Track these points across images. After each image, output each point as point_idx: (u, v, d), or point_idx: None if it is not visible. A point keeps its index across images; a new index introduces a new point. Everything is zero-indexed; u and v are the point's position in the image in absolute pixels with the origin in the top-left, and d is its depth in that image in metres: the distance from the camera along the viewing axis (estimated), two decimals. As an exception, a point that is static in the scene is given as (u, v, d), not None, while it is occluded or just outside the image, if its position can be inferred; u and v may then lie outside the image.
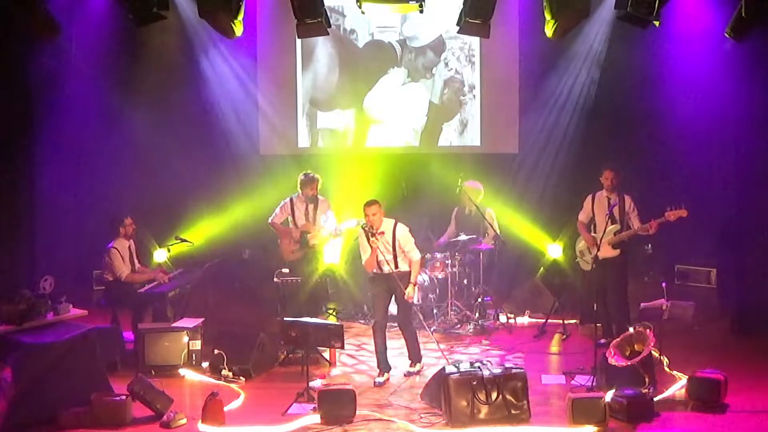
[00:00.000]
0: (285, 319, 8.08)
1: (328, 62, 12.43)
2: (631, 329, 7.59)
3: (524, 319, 10.11)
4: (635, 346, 7.16)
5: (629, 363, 7.02)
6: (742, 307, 9.21)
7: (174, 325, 8.29)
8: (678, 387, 7.35)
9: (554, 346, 9.15)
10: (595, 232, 8.84)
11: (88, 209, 10.81)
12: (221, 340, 8.19)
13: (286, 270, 9.55)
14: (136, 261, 9.16)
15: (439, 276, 10.03)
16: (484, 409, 6.69)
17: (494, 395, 6.71)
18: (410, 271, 7.97)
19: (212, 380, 7.81)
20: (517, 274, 10.79)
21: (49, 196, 10.11)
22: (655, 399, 6.97)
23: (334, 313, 10.28)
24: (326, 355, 8.40)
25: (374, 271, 7.96)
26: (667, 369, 7.69)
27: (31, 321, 7.19)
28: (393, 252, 7.88)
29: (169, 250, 9.56)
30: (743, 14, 8.20)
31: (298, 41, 12.08)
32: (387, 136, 12.51)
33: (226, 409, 6.88)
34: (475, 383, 6.72)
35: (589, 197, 9.00)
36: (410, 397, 7.41)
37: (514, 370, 6.91)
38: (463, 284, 10.12)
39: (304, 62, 12.41)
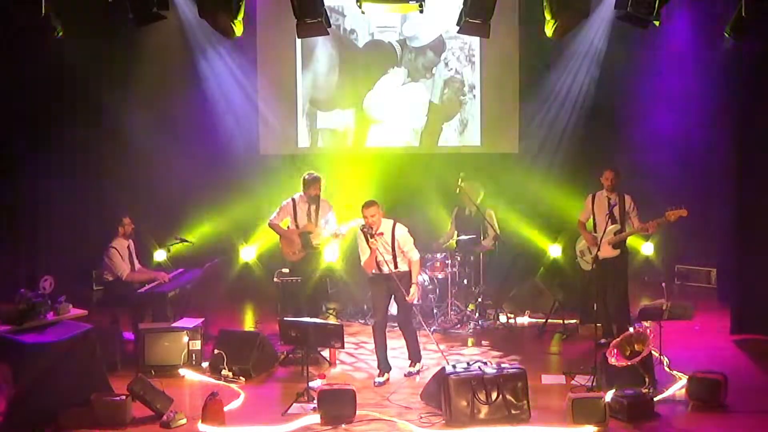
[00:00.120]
0: (285, 319, 8.08)
1: (328, 62, 12.43)
2: (631, 329, 7.60)
3: (524, 319, 10.10)
4: (635, 346, 7.16)
5: (629, 363, 7.02)
6: (742, 307, 9.20)
7: (174, 325, 8.29)
8: (678, 387, 7.35)
9: (554, 346, 9.14)
10: (595, 232, 8.84)
11: (88, 209, 10.81)
12: (221, 340, 8.19)
13: (286, 270, 9.55)
14: (135, 261, 9.16)
15: (439, 276, 10.03)
16: (484, 409, 6.69)
17: (494, 395, 6.70)
18: (410, 272, 7.97)
19: (212, 380, 7.81)
20: (517, 274, 10.78)
21: (49, 196, 10.10)
22: (655, 399, 6.97)
23: (334, 313, 10.30)
24: (326, 355, 8.40)
25: (373, 271, 7.96)
26: (667, 369, 7.70)
27: (31, 321, 7.19)
28: (392, 252, 7.88)
29: (169, 250, 9.56)
30: (743, 14, 8.20)
31: (298, 41, 12.08)
32: (387, 136, 12.51)
33: (226, 409, 6.87)
34: (475, 383, 6.71)
35: (590, 197, 9.00)
36: (410, 397, 7.40)
37: (514, 370, 6.90)
38: (463, 284, 10.11)
39: (304, 62, 12.41)
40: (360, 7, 8.67)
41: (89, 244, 10.26)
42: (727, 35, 8.61)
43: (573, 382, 7.60)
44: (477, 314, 9.87)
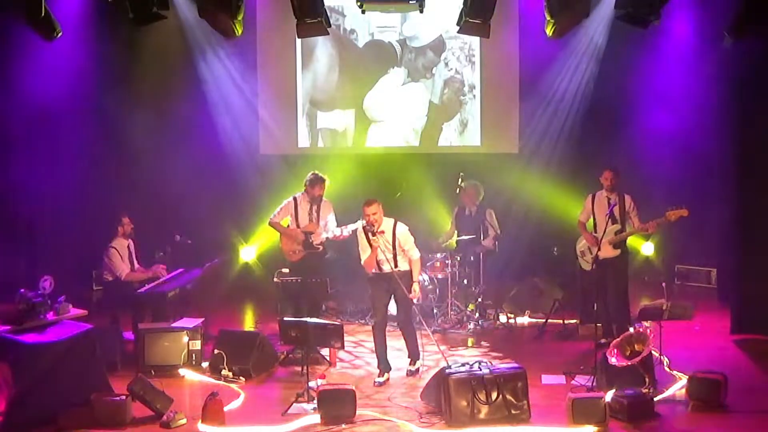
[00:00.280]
0: (285, 319, 8.08)
1: (328, 62, 12.43)
2: (631, 329, 7.59)
3: (524, 319, 10.10)
4: (635, 346, 7.16)
5: (629, 363, 7.02)
6: (742, 307, 9.20)
7: (174, 325, 8.29)
8: (678, 387, 7.35)
9: (554, 346, 9.13)
10: (595, 232, 8.84)
11: (87, 209, 10.80)
12: (221, 340, 8.18)
13: (286, 270, 9.54)
14: (135, 260, 9.15)
15: (439, 276, 10.03)
16: (484, 409, 6.68)
17: (494, 395, 6.70)
18: (410, 271, 7.97)
19: (212, 380, 7.80)
20: (517, 274, 10.78)
21: (48, 196, 10.10)
22: (655, 399, 6.96)
23: (334, 313, 10.29)
24: (326, 355, 8.40)
25: (373, 271, 7.96)
26: (667, 369, 7.70)
27: (31, 321, 7.19)
28: (393, 251, 7.88)
29: (169, 250, 9.54)
30: (743, 14, 8.20)
31: (298, 41, 12.08)
32: (387, 136, 12.51)
33: (226, 409, 6.87)
34: (475, 383, 6.71)
35: (589, 197, 9.01)
36: (410, 397, 7.40)
37: (514, 370, 6.90)
38: (463, 284, 10.11)
39: (304, 62, 12.41)
40: (360, 7, 8.67)
41: (89, 244, 10.26)
42: (726, 35, 8.61)
43: (573, 382, 7.60)
44: (477, 314, 9.87)
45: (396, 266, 7.86)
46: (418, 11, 9.06)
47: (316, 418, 6.79)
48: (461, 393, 6.69)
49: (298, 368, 7.98)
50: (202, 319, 8.48)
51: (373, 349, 8.11)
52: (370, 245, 7.82)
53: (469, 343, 9.17)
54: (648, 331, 7.26)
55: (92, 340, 7.20)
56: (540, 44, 11.21)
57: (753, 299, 9.08)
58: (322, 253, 9.22)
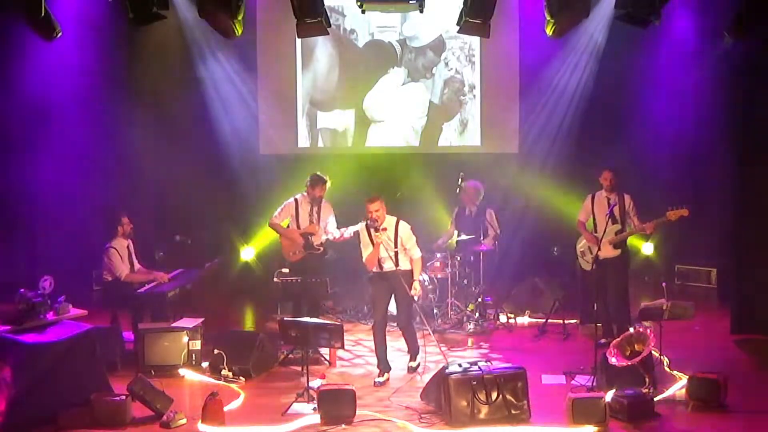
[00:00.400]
0: (285, 319, 8.08)
1: (328, 62, 12.43)
2: (631, 329, 7.59)
3: (524, 319, 10.10)
4: (635, 346, 7.16)
5: (629, 363, 7.02)
6: (742, 307, 9.20)
7: (174, 325, 8.28)
8: (678, 387, 7.34)
9: (554, 346, 9.12)
10: (595, 232, 8.84)
11: (87, 209, 10.81)
12: (221, 340, 8.18)
13: (286, 270, 9.54)
14: (135, 261, 9.15)
15: (439, 276, 10.03)
16: (484, 409, 6.68)
17: (494, 395, 6.70)
18: (411, 270, 7.97)
19: (212, 380, 7.80)
20: (517, 274, 10.78)
21: (48, 196, 10.10)
22: (655, 399, 6.96)
23: (334, 313, 10.29)
24: (326, 355, 8.40)
25: (374, 270, 7.96)
26: (667, 369, 7.69)
27: (31, 321, 7.18)
28: (395, 249, 7.88)
29: (169, 250, 9.54)
30: (743, 14, 8.20)
31: (298, 41, 12.09)
32: (387, 136, 12.51)
33: (226, 409, 6.87)
34: (475, 383, 6.71)
35: (589, 197, 9.01)
36: (410, 397, 7.40)
37: (514, 370, 6.90)
38: (463, 284, 10.11)
39: (304, 62, 12.41)
40: (360, 6, 8.67)
41: (89, 244, 10.26)
42: (726, 34, 8.61)
43: (573, 382, 7.60)
44: (477, 314, 9.87)
45: (397, 265, 7.86)
46: (418, 11, 9.05)
47: (316, 418, 6.79)
48: (461, 393, 6.69)
49: (298, 368, 7.98)
50: (202, 319, 8.47)
51: (373, 348, 8.11)
52: (372, 242, 7.83)
53: (469, 343, 9.16)
54: (648, 331, 7.26)
55: (92, 340, 7.20)
56: (540, 44, 11.23)
57: (753, 299, 9.08)
58: (322, 254, 9.22)
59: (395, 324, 8.24)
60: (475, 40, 12.12)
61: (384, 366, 7.93)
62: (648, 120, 11.49)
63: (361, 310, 10.33)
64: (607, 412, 6.56)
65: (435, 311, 9.94)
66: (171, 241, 9.82)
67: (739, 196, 9.27)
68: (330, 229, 9.07)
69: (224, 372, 7.85)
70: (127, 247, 9.06)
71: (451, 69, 12.42)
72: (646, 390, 6.97)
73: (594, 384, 7.23)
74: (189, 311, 8.90)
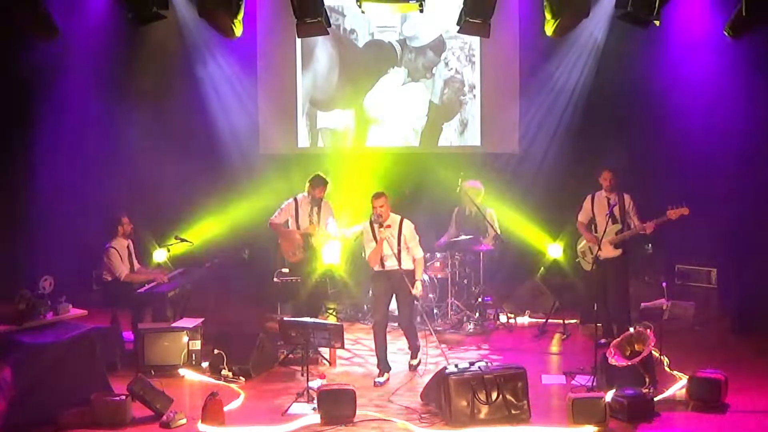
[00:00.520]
0: (285, 319, 8.08)
1: (328, 62, 12.43)
2: (631, 329, 7.59)
3: (524, 319, 10.10)
4: (636, 346, 7.16)
5: (629, 363, 7.02)
6: (742, 307, 9.21)
7: (174, 325, 8.29)
8: (678, 387, 7.35)
9: (554, 346, 9.14)
10: (595, 232, 8.84)
11: (87, 209, 10.81)
12: (221, 340, 8.18)
13: (286, 270, 9.54)
14: (135, 261, 9.15)
15: (439, 276, 10.03)
16: (485, 409, 6.68)
17: (494, 395, 6.70)
18: (413, 269, 7.98)
19: (212, 380, 7.80)
20: (517, 274, 10.77)
21: (48, 196, 10.10)
22: (655, 399, 6.96)
23: (334, 313, 10.29)
24: (326, 355, 8.40)
25: (376, 268, 7.96)
26: (667, 369, 7.70)
27: (31, 321, 7.18)
28: (398, 247, 7.89)
29: (168, 250, 9.55)
30: (744, 13, 8.20)
31: (298, 41, 12.08)
32: (387, 136, 12.51)
33: (226, 409, 6.87)
34: (475, 383, 6.71)
35: (589, 197, 9.01)
36: (410, 397, 7.40)
37: (514, 370, 6.90)
38: (463, 284, 10.11)
39: (304, 62, 12.40)
40: (360, 6, 8.67)
41: (89, 243, 10.26)
42: (726, 34, 8.61)
43: (573, 382, 7.60)
44: (477, 314, 9.86)
45: (400, 263, 7.87)
46: (418, 11, 9.05)
47: (316, 418, 6.79)
48: (461, 393, 6.69)
49: (298, 368, 7.98)
50: (202, 319, 8.47)
51: (372, 348, 8.12)
52: (376, 239, 7.84)
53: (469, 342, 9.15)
54: (648, 331, 7.25)
55: (92, 340, 7.20)
56: (540, 44, 11.22)
57: (753, 299, 9.08)
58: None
59: (395, 324, 8.24)
60: (475, 40, 12.11)
61: (384, 366, 7.93)
62: (648, 119, 11.47)
63: (361, 310, 10.32)
64: (607, 412, 6.57)
65: (435, 311, 9.94)
66: (171, 241, 9.79)
67: (739, 195, 9.26)
68: (330, 229, 9.06)
69: (224, 372, 7.86)
70: (127, 247, 9.06)
71: (451, 69, 12.42)
72: (646, 390, 6.97)
73: (594, 384, 7.23)
74: (189, 311, 8.90)
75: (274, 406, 7.15)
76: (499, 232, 10.13)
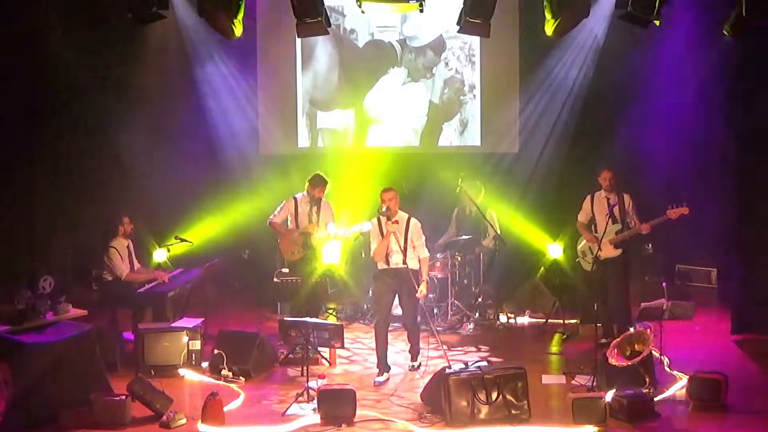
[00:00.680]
0: (285, 319, 8.08)
1: (328, 62, 12.42)
2: (631, 329, 7.59)
3: (524, 319, 10.10)
4: (636, 346, 7.16)
5: (630, 363, 7.01)
6: (742, 307, 9.19)
7: (174, 325, 8.28)
8: (678, 387, 7.35)
9: (554, 346, 9.13)
10: (595, 232, 8.83)
11: (87, 209, 10.81)
12: (221, 340, 8.18)
13: (286, 270, 9.54)
14: (135, 260, 9.15)
15: (439, 276, 10.03)
16: (485, 409, 6.68)
17: (494, 395, 6.70)
18: (417, 270, 7.99)
19: (212, 380, 7.80)
20: (517, 274, 10.77)
21: (47, 196, 10.09)
22: (655, 399, 6.96)
23: (334, 313, 10.29)
24: (326, 355, 8.40)
25: (380, 266, 7.97)
26: (667, 369, 7.69)
27: (31, 321, 7.20)
28: (404, 244, 7.90)
29: (168, 250, 9.56)
30: (743, 13, 8.20)
31: (298, 41, 12.07)
32: (387, 136, 12.50)
33: (226, 409, 6.87)
34: (475, 383, 6.71)
35: (588, 197, 9.00)
36: (410, 397, 7.40)
37: (514, 370, 6.90)
38: (463, 284, 10.10)
39: (304, 62, 12.40)
40: (360, 6, 8.67)
41: (89, 244, 10.26)
42: (726, 33, 8.61)
43: (573, 382, 7.60)
44: (477, 314, 9.86)
45: (404, 262, 7.87)
46: (418, 11, 9.05)
47: (316, 418, 6.79)
48: (461, 393, 6.69)
49: (298, 368, 7.98)
50: (202, 319, 8.47)
51: (372, 346, 8.12)
52: (383, 234, 7.85)
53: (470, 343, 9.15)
54: (648, 331, 7.25)
55: (92, 340, 7.20)
56: (540, 44, 11.21)
57: (753, 299, 9.08)
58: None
59: (396, 324, 8.24)
60: (475, 40, 12.10)
61: (384, 366, 7.93)
62: (649, 119, 11.46)
63: (361, 310, 10.31)
64: (607, 412, 6.56)
65: (435, 311, 9.94)
66: (171, 242, 9.79)
67: (739, 195, 9.26)
68: (330, 229, 9.06)
69: (224, 372, 7.85)
70: (128, 247, 9.06)
71: (451, 69, 12.41)
72: (647, 390, 6.97)
73: (594, 384, 7.23)
74: (189, 311, 8.90)
75: (274, 406, 7.15)
76: (499, 231, 10.13)
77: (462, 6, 8.56)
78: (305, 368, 7.40)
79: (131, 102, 11.33)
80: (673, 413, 6.94)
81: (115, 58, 11.13)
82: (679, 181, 11.09)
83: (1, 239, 9.25)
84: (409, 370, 8.09)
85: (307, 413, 6.91)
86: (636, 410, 6.69)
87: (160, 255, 9.55)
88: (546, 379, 7.79)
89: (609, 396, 6.74)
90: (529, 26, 11.51)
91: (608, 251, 8.69)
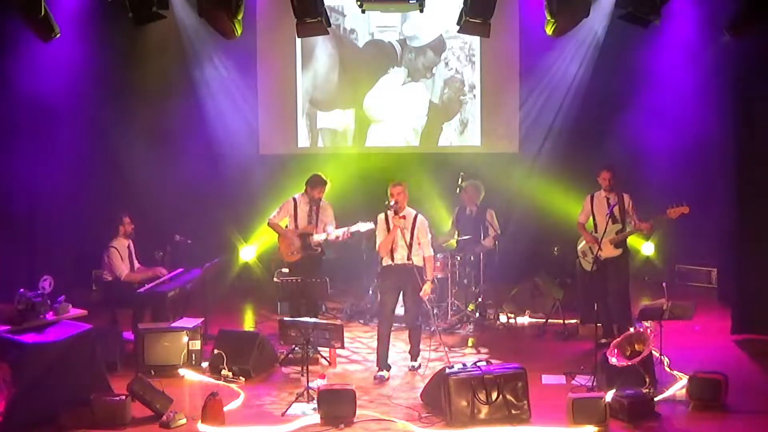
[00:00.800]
0: (285, 319, 8.08)
1: (328, 62, 12.42)
2: (632, 329, 7.59)
3: (524, 319, 10.10)
4: (636, 346, 7.16)
5: (630, 363, 7.01)
6: (742, 307, 9.19)
7: (174, 325, 8.28)
8: (678, 387, 7.35)
9: (554, 346, 9.11)
10: (595, 233, 8.83)
11: (87, 209, 10.81)
12: (221, 340, 8.18)
13: (286, 270, 9.54)
14: (135, 260, 9.15)
15: (439, 276, 10.02)
16: (485, 409, 6.68)
17: (494, 395, 6.70)
18: (422, 267, 7.99)
19: (212, 380, 7.80)
20: (517, 274, 10.77)
21: (48, 196, 10.08)
22: (655, 399, 6.96)
23: (334, 313, 10.28)
24: (326, 355, 8.39)
25: (385, 262, 7.97)
26: (667, 369, 7.69)
27: (31, 321, 7.18)
28: (410, 240, 7.90)
29: (169, 250, 9.55)
30: (744, 12, 8.20)
31: (298, 41, 12.08)
32: (387, 135, 12.51)
33: (226, 409, 6.87)
34: (475, 383, 6.71)
35: (588, 198, 9.01)
36: (410, 397, 7.40)
37: (514, 370, 6.90)
38: (463, 284, 10.10)
39: (304, 62, 12.40)
40: (361, 6, 8.67)
41: (89, 244, 10.25)
42: (726, 32, 8.61)
43: (573, 382, 7.59)
44: (477, 314, 9.86)
45: (408, 258, 7.87)
46: (418, 11, 9.05)
47: (316, 418, 6.79)
48: (461, 393, 6.69)
49: (298, 368, 7.98)
50: (202, 319, 8.47)
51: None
52: (389, 229, 7.85)
53: (470, 343, 9.15)
54: (648, 331, 7.25)
55: (92, 340, 7.20)
56: (540, 44, 11.22)
57: (753, 299, 9.07)
58: (319, 255, 9.22)
59: (397, 324, 8.25)
60: (475, 40, 12.11)
61: (384, 364, 7.93)
62: (649, 119, 11.47)
63: (360, 309, 10.30)
64: (607, 412, 6.56)
65: (435, 311, 9.93)
66: (171, 241, 9.79)
67: (739, 195, 9.26)
68: (329, 229, 9.06)
69: (224, 372, 7.85)
70: (128, 247, 9.06)
71: (451, 69, 12.42)
72: (647, 390, 6.97)
73: (594, 384, 7.23)
74: (189, 311, 8.90)
75: (274, 406, 7.15)
76: (499, 231, 10.13)
77: (462, 6, 8.56)
78: (305, 368, 7.40)
79: (131, 101, 11.32)
80: (673, 413, 6.94)
81: (115, 58, 11.14)
82: (679, 181, 11.10)
83: (1, 239, 9.24)
84: (409, 370, 8.09)
85: (307, 413, 6.91)
86: (636, 410, 6.69)
87: (161, 254, 9.54)
88: (546, 379, 7.78)
89: (609, 396, 6.74)
90: (529, 26, 11.52)
91: (609, 251, 8.69)
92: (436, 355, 8.32)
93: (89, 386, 6.93)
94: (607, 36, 11.44)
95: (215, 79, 12.08)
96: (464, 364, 7.04)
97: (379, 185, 10.96)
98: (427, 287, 7.93)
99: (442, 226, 10.65)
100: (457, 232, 10.22)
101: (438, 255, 10.06)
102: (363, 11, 9.27)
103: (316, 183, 9.07)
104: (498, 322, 9.94)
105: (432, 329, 8.56)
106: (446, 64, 12.40)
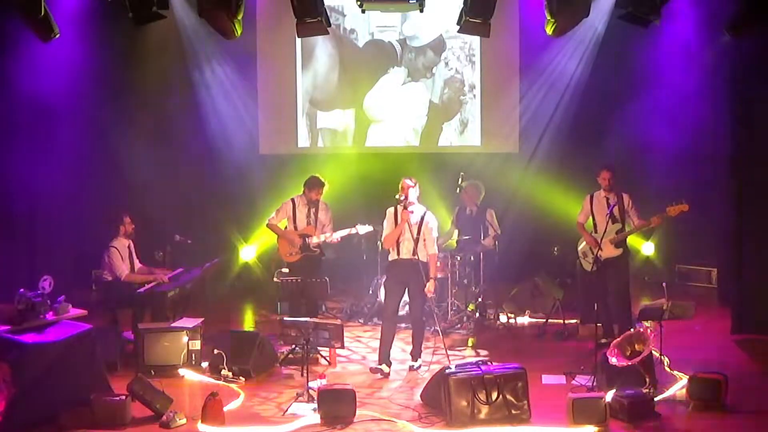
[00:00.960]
0: (285, 319, 8.07)
1: (328, 62, 12.42)
2: (632, 329, 7.59)
3: (524, 319, 10.10)
4: (636, 346, 7.16)
5: (630, 363, 7.01)
6: (742, 307, 9.19)
7: (174, 325, 8.27)
8: (678, 387, 7.35)
9: (554, 346, 9.11)
10: (595, 232, 8.83)
11: (87, 209, 10.81)
12: (221, 340, 8.18)
13: (286, 270, 9.54)
14: (135, 260, 9.15)
15: (439, 276, 10.01)
16: (485, 409, 6.68)
17: (494, 395, 6.70)
18: (427, 263, 8.00)
19: (212, 380, 7.80)
20: (517, 274, 10.77)
21: (48, 196, 10.09)
22: (655, 399, 6.96)
23: (334, 313, 10.28)
24: (326, 354, 8.39)
25: (391, 256, 7.99)
26: (667, 369, 7.69)
27: (31, 321, 7.18)
28: (417, 235, 7.92)
29: (168, 250, 9.55)
30: (744, 12, 8.20)
31: (298, 41, 12.08)
32: (387, 135, 12.51)
33: (226, 409, 6.87)
34: (475, 383, 6.71)
35: (588, 197, 9.00)
36: (410, 397, 7.40)
37: (514, 370, 6.89)
38: (463, 284, 10.10)
39: (304, 62, 12.40)
40: (360, 6, 8.66)
41: (89, 244, 10.25)
42: (726, 33, 8.61)
43: (573, 382, 7.59)
44: (477, 314, 9.86)
45: (414, 253, 7.89)
46: (418, 11, 9.05)
47: (316, 418, 6.79)
48: (461, 393, 6.68)
49: (298, 368, 7.98)
50: (202, 319, 8.47)
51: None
52: (397, 221, 7.90)
53: (470, 343, 9.14)
54: (648, 331, 7.25)
55: (92, 340, 7.19)
56: (540, 44, 11.21)
57: (753, 299, 9.08)
58: (318, 256, 9.24)
59: (401, 324, 8.26)
60: (475, 40, 12.11)
61: (385, 360, 7.95)
62: (649, 119, 11.48)
63: (360, 309, 10.30)
64: (607, 412, 6.56)
65: (435, 311, 9.92)
66: (171, 241, 9.79)
67: (739, 195, 9.26)
68: (328, 230, 9.08)
69: (224, 372, 7.84)
70: (128, 246, 9.06)
71: (451, 69, 12.42)
72: (647, 390, 6.97)
73: (594, 384, 7.22)
74: (189, 311, 8.89)
75: (274, 406, 7.15)
76: (499, 231, 10.12)
77: (462, 6, 8.56)
78: (305, 368, 7.40)
79: (131, 101, 11.32)
80: (673, 413, 6.94)
81: (115, 58, 11.14)
82: (678, 181, 11.10)
83: (1, 239, 9.24)
84: (410, 370, 8.09)
85: (307, 413, 6.91)
86: (636, 410, 6.69)
87: (161, 254, 9.55)
88: (546, 379, 7.78)
89: (609, 396, 6.74)
90: (529, 26, 11.52)
91: (609, 251, 8.69)
92: (437, 357, 8.31)
93: (89, 386, 6.92)
94: (607, 34, 11.42)
95: (215, 79, 12.08)
96: (468, 364, 7.03)
97: (379, 185, 11.03)
98: (430, 285, 7.94)
99: (442, 226, 10.63)
100: (457, 232, 10.22)
101: (438, 255, 10.08)
102: (363, 11, 9.27)
103: (313, 185, 9.08)
104: (498, 322, 9.94)
105: (432, 329, 8.55)
106: (446, 64, 12.41)
